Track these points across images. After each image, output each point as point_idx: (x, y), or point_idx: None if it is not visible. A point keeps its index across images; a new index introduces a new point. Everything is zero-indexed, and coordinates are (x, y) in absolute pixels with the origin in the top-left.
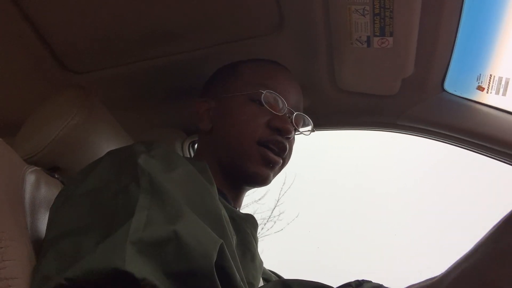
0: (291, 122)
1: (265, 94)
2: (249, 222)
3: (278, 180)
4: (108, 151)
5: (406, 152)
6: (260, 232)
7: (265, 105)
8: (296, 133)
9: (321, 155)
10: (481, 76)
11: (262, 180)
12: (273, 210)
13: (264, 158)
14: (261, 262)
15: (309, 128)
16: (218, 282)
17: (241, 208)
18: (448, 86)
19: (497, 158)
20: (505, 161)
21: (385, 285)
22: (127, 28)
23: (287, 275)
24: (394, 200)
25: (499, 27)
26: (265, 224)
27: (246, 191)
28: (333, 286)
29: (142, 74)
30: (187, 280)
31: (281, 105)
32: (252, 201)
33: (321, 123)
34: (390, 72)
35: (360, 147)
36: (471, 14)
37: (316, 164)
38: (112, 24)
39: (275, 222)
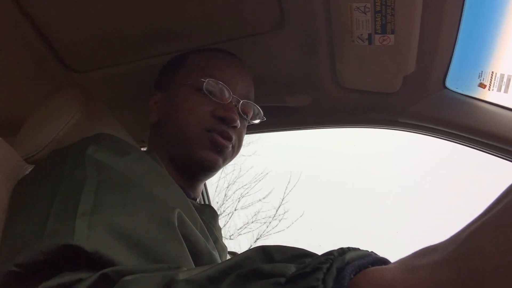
0: (238, 110)
1: (207, 82)
2: (206, 212)
3: (283, 179)
4: (52, 150)
5: (408, 149)
6: (265, 230)
7: (208, 94)
8: (248, 122)
9: (326, 153)
10: (483, 73)
11: (210, 165)
12: (278, 208)
13: (212, 142)
14: (225, 248)
15: (259, 117)
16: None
17: (211, 200)
18: (450, 83)
19: (499, 155)
20: (507, 158)
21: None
22: (128, 27)
23: None
24: (396, 198)
25: (501, 24)
26: (270, 222)
27: (202, 181)
28: (316, 253)
29: (142, 73)
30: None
31: (226, 94)
32: (257, 200)
33: (322, 121)
34: (392, 69)
35: (363, 145)
36: (473, 11)
37: (320, 163)
38: (113, 23)
39: (280, 220)
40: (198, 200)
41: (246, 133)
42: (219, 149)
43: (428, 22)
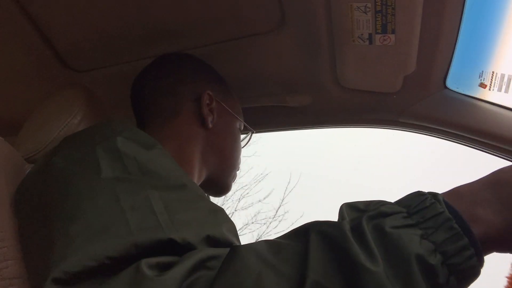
0: None
1: (252, 132)
2: None
3: (283, 179)
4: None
5: (408, 149)
6: (264, 231)
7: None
8: None
9: (326, 153)
10: (483, 73)
11: (224, 195)
12: (277, 209)
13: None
14: None
15: None
16: None
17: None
18: (450, 83)
19: (499, 155)
20: (507, 158)
21: None
22: (128, 27)
23: None
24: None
25: (502, 24)
26: (270, 223)
27: None
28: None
29: None
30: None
31: None
32: (257, 201)
33: (323, 121)
34: (392, 69)
35: (363, 145)
36: (473, 11)
37: (320, 163)
38: (114, 22)
39: (279, 221)
40: None
41: (245, 133)
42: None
43: (428, 22)
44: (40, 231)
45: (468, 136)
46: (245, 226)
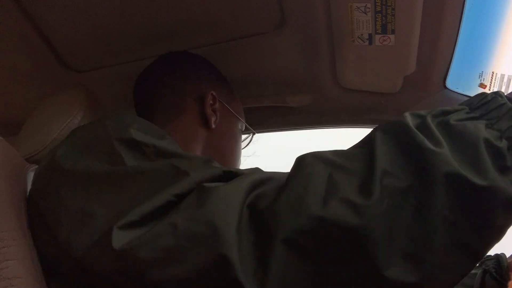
0: None
1: (253, 134)
2: None
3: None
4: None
5: None
6: None
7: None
8: None
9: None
10: (483, 73)
11: None
12: None
13: None
14: None
15: None
16: None
17: None
18: (450, 83)
19: None
20: None
21: None
22: (128, 27)
23: None
24: None
25: (501, 24)
26: None
27: None
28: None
29: None
30: None
31: None
32: None
33: (323, 121)
34: (392, 69)
35: None
36: (473, 11)
37: None
38: (114, 22)
39: None
40: None
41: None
42: None
43: (428, 22)
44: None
45: None
46: None
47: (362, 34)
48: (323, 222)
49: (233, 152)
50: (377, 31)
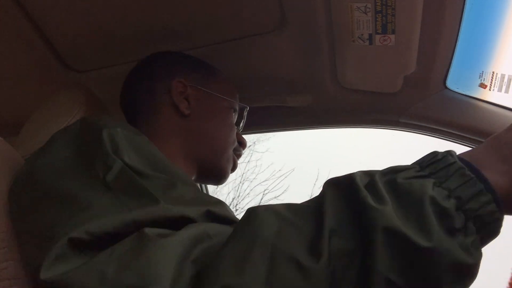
0: None
1: (246, 109)
2: None
3: (310, 175)
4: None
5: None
6: None
7: (239, 118)
8: None
9: (354, 152)
10: (484, 73)
11: (224, 180)
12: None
13: (234, 162)
14: None
15: None
16: None
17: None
18: (450, 83)
19: None
20: None
21: None
22: (128, 27)
23: None
24: None
25: (502, 24)
26: None
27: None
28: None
29: None
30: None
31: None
32: (273, 197)
33: (323, 121)
34: (392, 69)
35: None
36: (474, 11)
37: (348, 162)
38: (114, 22)
39: None
40: None
41: (249, 133)
42: (234, 169)
43: (428, 22)
44: (37, 219)
45: (468, 136)
46: None
47: (362, 34)
48: (269, 284)
49: (217, 132)
50: (378, 31)
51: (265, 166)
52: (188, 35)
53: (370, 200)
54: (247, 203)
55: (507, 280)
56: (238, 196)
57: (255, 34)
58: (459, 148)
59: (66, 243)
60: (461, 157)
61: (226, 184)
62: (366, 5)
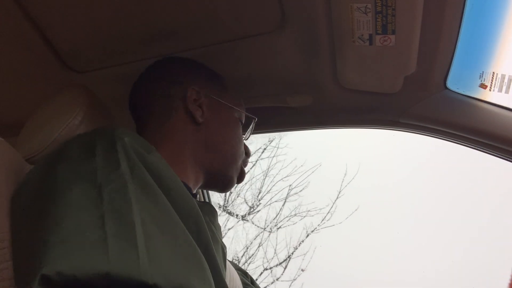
0: None
1: (254, 120)
2: (206, 210)
3: (338, 171)
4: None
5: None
6: (320, 223)
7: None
8: None
9: (386, 147)
10: (484, 73)
11: (230, 188)
12: (334, 201)
13: (241, 171)
14: (224, 247)
15: None
16: None
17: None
18: (451, 83)
19: (499, 155)
20: (508, 158)
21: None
22: (128, 27)
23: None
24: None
25: (502, 24)
26: (324, 216)
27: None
28: None
29: None
30: None
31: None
32: (298, 191)
33: (323, 121)
34: (392, 70)
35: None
36: (474, 11)
37: (378, 158)
38: (114, 23)
39: (331, 214)
40: (197, 197)
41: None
42: (241, 179)
43: (429, 23)
44: (28, 235)
45: (469, 136)
46: (287, 218)
47: (362, 35)
48: None
49: (228, 142)
50: (378, 32)
51: (286, 162)
52: (188, 35)
53: None
54: (270, 199)
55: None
56: (259, 193)
57: (255, 34)
58: (459, 148)
59: (39, 280)
60: None
61: (245, 182)
62: (366, 5)
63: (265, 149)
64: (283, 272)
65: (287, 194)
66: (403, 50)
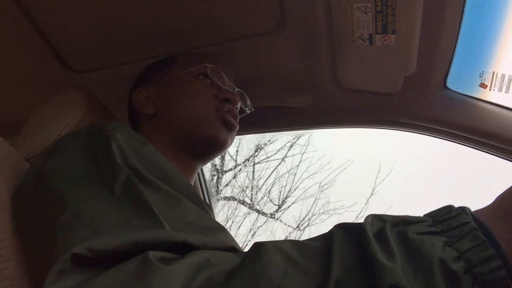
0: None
1: (210, 67)
2: None
3: (371, 167)
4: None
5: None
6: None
7: (210, 79)
8: (243, 109)
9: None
10: (484, 73)
11: (223, 142)
12: (369, 197)
13: (223, 120)
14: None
15: (249, 108)
16: None
17: None
18: (451, 83)
19: (499, 155)
20: (508, 158)
21: None
22: (129, 27)
23: None
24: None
25: (502, 24)
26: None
27: (203, 163)
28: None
29: None
30: None
31: (224, 80)
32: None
33: (323, 121)
34: (393, 69)
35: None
36: (474, 11)
37: (414, 154)
38: (114, 23)
39: (364, 211)
40: None
41: (248, 133)
42: (229, 126)
43: (429, 22)
44: (43, 228)
45: (469, 136)
46: (315, 216)
47: (362, 34)
48: None
49: (188, 105)
50: (378, 31)
51: (314, 159)
52: (188, 35)
53: (380, 255)
54: (298, 196)
55: None
56: (289, 191)
57: (255, 34)
58: (459, 148)
59: (69, 259)
60: (475, 216)
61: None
62: (366, 5)
63: (291, 146)
64: None
65: (318, 191)
66: (403, 49)
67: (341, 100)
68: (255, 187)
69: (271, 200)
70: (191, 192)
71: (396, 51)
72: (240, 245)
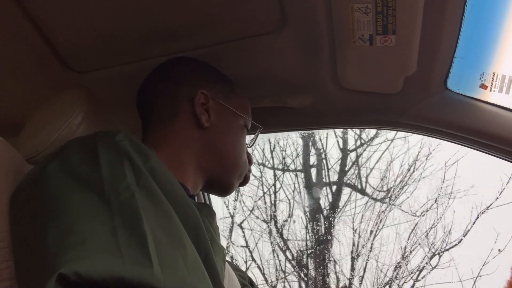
0: None
1: (252, 124)
2: (204, 211)
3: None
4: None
5: None
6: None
7: (246, 133)
8: None
9: None
10: (484, 74)
11: (231, 193)
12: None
13: (246, 179)
14: (221, 249)
15: None
16: None
17: None
18: (451, 84)
19: (499, 156)
20: (508, 159)
21: None
22: (129, 27)
23: None
24: None
25: (503, 24)
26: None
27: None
28: None
29: (144, 74)
30: None
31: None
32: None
33: (324, 122)
34: (393, 70)
35: None
36: (474, 12)
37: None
38: (115, 23)
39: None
40: (195, 198)
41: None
42: (244, 183)
43: (429, 23)
44: (35, 236)
45: (469, 137)
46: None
47: (363, 35)
48: None
49: (233, 149)
50: (378, 32)
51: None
52: (188, 35)
53: None
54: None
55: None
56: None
57: (255, 34)
58: (459, 149)
59: (56, 279)
60: None
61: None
62: (367, 5)
63: None
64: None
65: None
66: (403, 50)
67: (341, 101)
68: None
69: None
70: (189, 218)
71: (396, 52)
72: None
